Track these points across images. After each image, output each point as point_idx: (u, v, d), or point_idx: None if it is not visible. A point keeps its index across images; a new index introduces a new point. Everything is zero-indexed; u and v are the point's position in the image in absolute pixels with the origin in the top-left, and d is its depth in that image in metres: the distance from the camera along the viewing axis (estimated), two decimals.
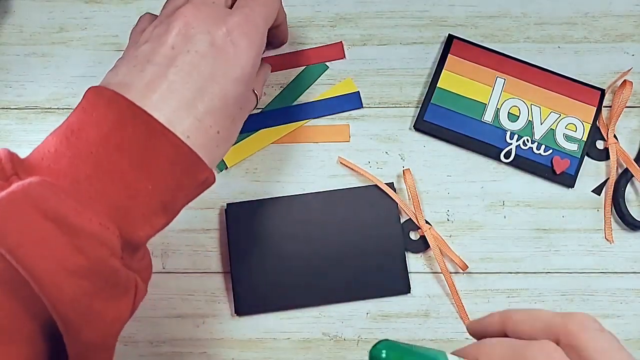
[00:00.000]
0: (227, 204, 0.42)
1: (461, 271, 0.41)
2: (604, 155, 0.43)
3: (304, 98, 0.44)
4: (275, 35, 0.41)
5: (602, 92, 0.43)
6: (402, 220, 0.42)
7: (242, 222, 0.41)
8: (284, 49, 0.45)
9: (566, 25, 0.45)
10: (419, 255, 0.42)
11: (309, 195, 0.42)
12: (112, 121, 0.28)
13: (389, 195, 0.42)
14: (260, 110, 0.43)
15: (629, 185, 0.42)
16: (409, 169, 0.42)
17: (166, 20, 0.32)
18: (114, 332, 0.28)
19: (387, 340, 0.26)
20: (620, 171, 0.43)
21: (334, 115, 0.44)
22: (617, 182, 0.42)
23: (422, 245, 0.42)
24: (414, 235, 0.42)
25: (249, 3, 0.33)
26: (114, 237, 0.27)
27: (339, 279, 0.41)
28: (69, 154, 0.27)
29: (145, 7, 0.45)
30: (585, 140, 0.43)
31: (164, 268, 0.42)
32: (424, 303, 0.41)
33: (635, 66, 0.44)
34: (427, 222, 0.42)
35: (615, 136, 0.43)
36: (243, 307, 0.40)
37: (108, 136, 0.28)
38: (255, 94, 0.37)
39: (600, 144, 0.44)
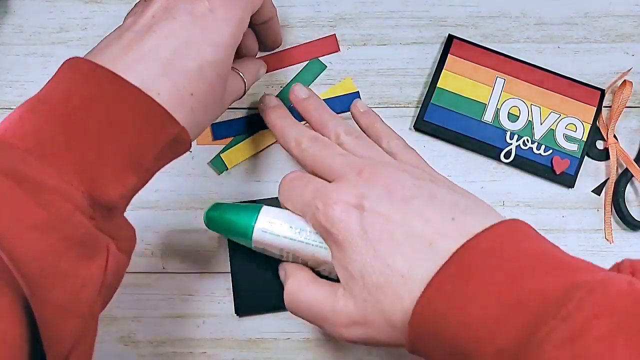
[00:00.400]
0: None
1: None
2: (603, 155, 0.43)
3: None
4: (266, 33, 0.41)
5: (602, 92, 0.43)
6: None
7: None
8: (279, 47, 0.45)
9: (566, 26, 0.45)
10: None
11: None
12: (77, 85, 0.28)
13: None
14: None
15: (629, 185, 0.43)
16: None
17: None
18: (86, 296, 0.26)
19: (216, 202, 0.37)
20: (620, 171, 0.43)
21: None
22: (617, 182, 0.42)
23: None
24: None
25: None
26: (77, 193, 0.27)
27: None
28: (34, 118, 0.27)
29: None
30: (585, 140, 0.43)
31: (164, 268, 0.42)
32: None
33: (635, 66, 0.44)
34: None
35: (615, 136, 0.43)
36: (243, 307, 0.40)
37: (73, 97, 0.28)
38: (244, 80, 0.38)
39: (600, 144, 0.44)
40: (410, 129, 0.44)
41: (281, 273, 0.36)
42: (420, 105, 0.43)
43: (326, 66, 0.44)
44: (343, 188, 0.32)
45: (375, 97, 0.44)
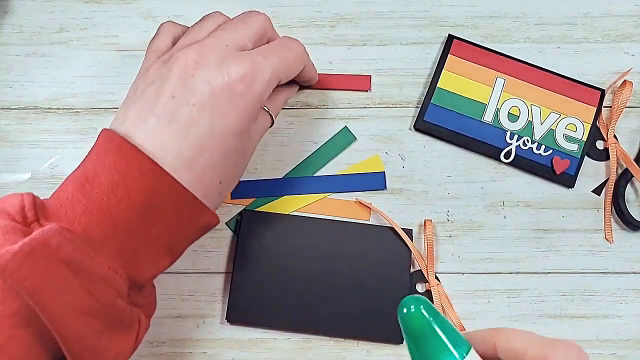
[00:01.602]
0: (244, 209, 0.42)
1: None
2: (604, 155, 0.43)
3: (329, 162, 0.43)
4: (300, 78, 0.40)
5: (602, 92, 0.43)
6: (412, 270, 0.41)
7: (254, 230, 0.41)
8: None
9: (566, 26, 0.45)
10: None
11: (326, 221, 0.41)
12: (122, 169, 0.30)
13: (405, 242, 0.41)
14: (283, 176, 0.43)
15: (629, 185, 0.42)
16: (430, 220, 0.42)
17: (171, 59, 0.32)
18: None
19: (421, 298, 0.27)
20: (620, 171, 0.43)
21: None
22: (617, 183, 0.42)
23: None
24: (420, 288, 0.41)
25: (269, 51, 0.34)
26: (121, 280, 0.29)
27: (335, 313, 0.40)
28: (84, 201, 0.29)
29: (145, 7, 0.45)
30: (585, 140, 0.43)
31: None
32: None
33: (635, 66, 0.44)
34: (437, 277, 0.41)
35: (615, 136, 0.43)
36: (234, 315, 0.40)
37: (118, 184, 0.29)
38: (271, 114, 0.37)
39: (600, 144, 0.44)
40: (410, 129, 0.44)
41: None
42: (420, 105, 0.43)
43: (356, 138, 0.43)
44: None
45: (375, 97, 0.44)
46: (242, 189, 0.42)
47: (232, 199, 0.42)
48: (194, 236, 0.33)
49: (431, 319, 0.26)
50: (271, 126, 0.38)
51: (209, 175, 0.31)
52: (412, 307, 0.26)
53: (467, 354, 0.25)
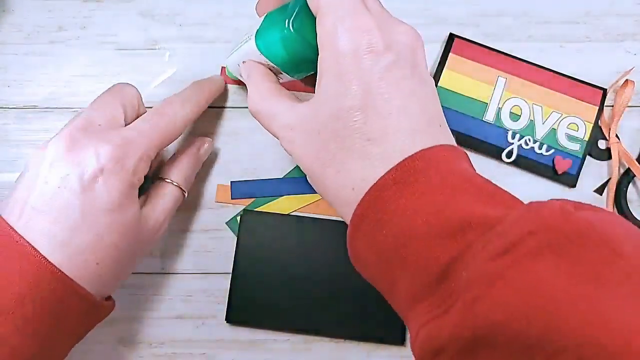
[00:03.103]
0: (244, 210, 0.41)
1: None
2: (605, 155, 0.43)
3: None
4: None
5: (604, 92, 0.43)
6: None
7: (254, 230, 0.41)
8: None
9: (568, 24, 0.45)
10: None
11: (326, 221, 0.41)
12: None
13: None
14: (283, 176, 0.43)
15: (630, 185, 0.42)
16: None
17: (42, 149, 0.32)
18: None
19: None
20: (622, 171, 0.42)
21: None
22: (619, 182, 0.42)
23: None
24: None
25: (140, 123, 0.34)
26: None
27: (336, 314, 0.40)
28: None
29: (144, 6, 0.45)
30: (587, 139, 0.42)
31: (162, 269, 0.41)
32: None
33: (637, 65, 0.44)
34: None
35: (617, 136, 0.43)
36: (234, 316, 0.40)
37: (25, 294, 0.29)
38: (178, 185, 0.37)
39: (602, 144, 0.43)
40: None
41: (243, 73, 0.34)
42: None
43: None
44: None
45: None
46: (242, 189, 0.42)
47: (232, 199, 0.42)
48: (73, 323, 0.32)
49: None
50: (184, 199, 0.38)
51: (83, 256, 0.31)
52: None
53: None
